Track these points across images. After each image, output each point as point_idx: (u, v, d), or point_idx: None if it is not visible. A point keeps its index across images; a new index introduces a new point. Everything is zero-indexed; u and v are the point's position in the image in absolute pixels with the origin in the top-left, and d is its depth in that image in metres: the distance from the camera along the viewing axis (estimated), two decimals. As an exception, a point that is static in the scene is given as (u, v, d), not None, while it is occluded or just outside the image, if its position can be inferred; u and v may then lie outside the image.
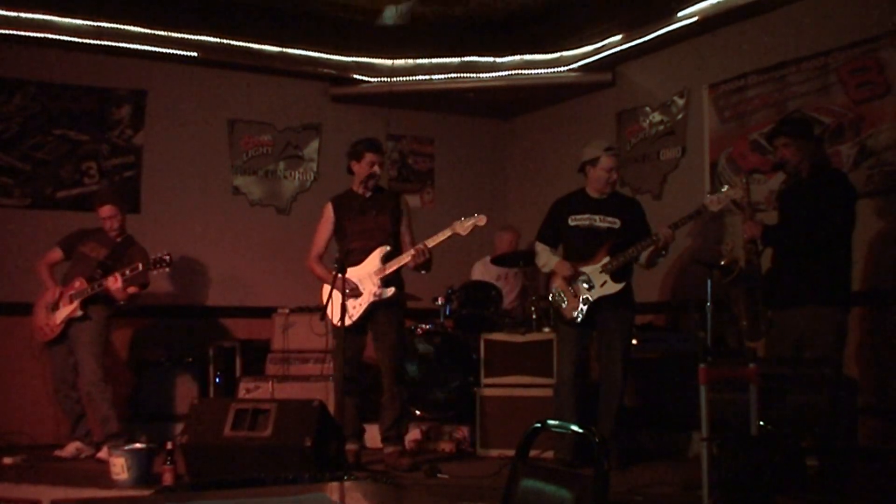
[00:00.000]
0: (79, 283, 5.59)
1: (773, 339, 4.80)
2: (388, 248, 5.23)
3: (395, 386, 5.25)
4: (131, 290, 5.62)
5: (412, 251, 5.13)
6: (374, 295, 5.17)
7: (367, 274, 5.20)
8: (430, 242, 5.13)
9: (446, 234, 5.13)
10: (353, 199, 5.35)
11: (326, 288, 5.24)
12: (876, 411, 5.12)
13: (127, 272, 5.47)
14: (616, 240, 5.18)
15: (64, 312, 5.59)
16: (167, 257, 5.47)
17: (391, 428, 5.25)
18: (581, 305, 5.15)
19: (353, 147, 5.39)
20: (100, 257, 5.70)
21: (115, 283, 5.48)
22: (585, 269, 5.19)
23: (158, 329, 6.94)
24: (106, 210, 5.76)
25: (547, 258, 5.40)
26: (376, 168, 5.27)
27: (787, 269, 4.77)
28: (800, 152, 4.74)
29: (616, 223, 5.25)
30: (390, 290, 5.17)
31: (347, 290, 5.09)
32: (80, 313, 5.56)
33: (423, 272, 5.27)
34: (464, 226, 5.10)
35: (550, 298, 5.33)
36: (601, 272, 5.15)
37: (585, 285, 5.17)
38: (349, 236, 5.26)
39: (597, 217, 5.27)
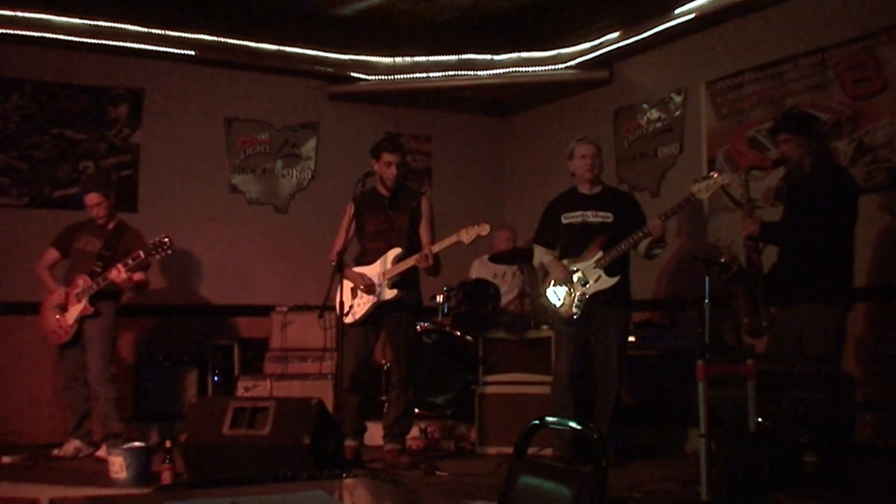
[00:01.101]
0: (82, 281, 5.55)
1: (774, 336, 4.79)
2: (400, 249, 5.24)
3: (402, 384, 5.27)
4: (137, 277, 5.59)
5: (416, 255, 5.14)
6: (376, 296, 5.19)
7: (376, 275, 5.23)
8: (435, 248, 5.15)
9: (452, 240, 5.14)
10: (375, 198, 5.37)
11: (347, 284, 5.25)
12: (874, 407, 5.12)
13: (130, 262, 5.44)
14: (609, 234, 5.17)
15: (74, 312, 5.55)
16: (167, 240, 5.41)
17: (393, 425, 5.28)
18: (576, 302, 5.15)
19: (372, 148, 5.40)
20: (96, 250, 5.66)
21: (118, 275, 5.43)
22: (579, 265, 5.19)
23: (157, 328, 6.93)
24: (91, 198, 5.70)
25: (542, 259, 5.41)
26: (392, 168, 5.27)
27: (788, 266, 4.76)
28: (801, 148, 4.71)
29: (609, 217, 5.23)
30: (392, 293, 5.19)
31: (362, 285, 5.15)
32: (91, 310, 5.53)
33: (431, 276, 5.31)
34: (468, 234, 5.11)
35: (546, 297, 5.33)
36: (594, 268, 5.15)
37: (580, 282, 5.16)
38: (366, 236, 5.33)
39: (589, 213, 5.26)
